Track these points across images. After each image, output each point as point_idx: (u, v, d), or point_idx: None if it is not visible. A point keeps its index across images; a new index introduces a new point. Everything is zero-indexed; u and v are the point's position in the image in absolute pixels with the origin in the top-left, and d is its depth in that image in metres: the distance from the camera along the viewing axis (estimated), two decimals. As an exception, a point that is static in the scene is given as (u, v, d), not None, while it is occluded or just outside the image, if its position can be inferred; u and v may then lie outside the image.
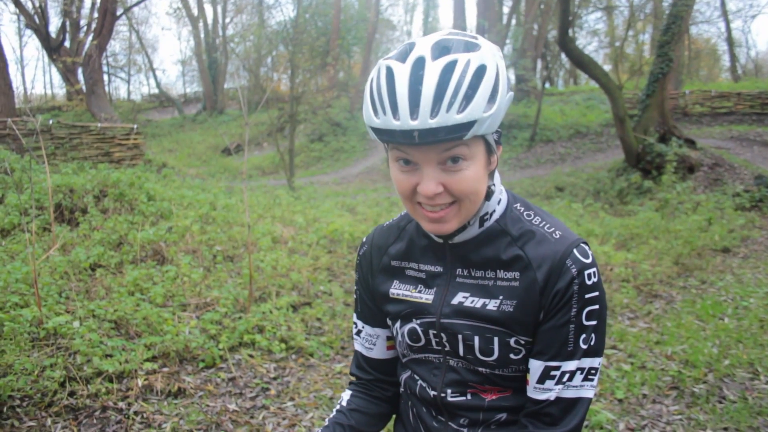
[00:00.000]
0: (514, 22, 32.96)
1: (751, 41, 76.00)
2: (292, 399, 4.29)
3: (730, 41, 37.21)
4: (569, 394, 1.31)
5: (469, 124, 1.13)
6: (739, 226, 10.58)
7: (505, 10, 34.54)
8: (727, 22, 36.38)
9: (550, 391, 1.30)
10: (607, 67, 23.99)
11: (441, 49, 1.16)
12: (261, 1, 38.78)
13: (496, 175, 1.36)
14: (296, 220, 9.22)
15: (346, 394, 1.63)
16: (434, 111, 1.11)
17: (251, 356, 4.82)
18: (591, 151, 21.18)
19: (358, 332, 1.62)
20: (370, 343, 1.60)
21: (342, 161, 24.84)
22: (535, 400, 1.33)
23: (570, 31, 16.78)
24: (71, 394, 3.89)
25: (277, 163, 21.88)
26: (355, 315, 1.64)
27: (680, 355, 5.07)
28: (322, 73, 27.66)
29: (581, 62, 16.03)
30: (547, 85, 33.71)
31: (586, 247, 1.31)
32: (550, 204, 13.33)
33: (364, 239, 1.59)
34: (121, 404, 3.91)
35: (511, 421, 1.41)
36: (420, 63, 1.14)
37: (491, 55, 1.18)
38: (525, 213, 1.38)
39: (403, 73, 1.15)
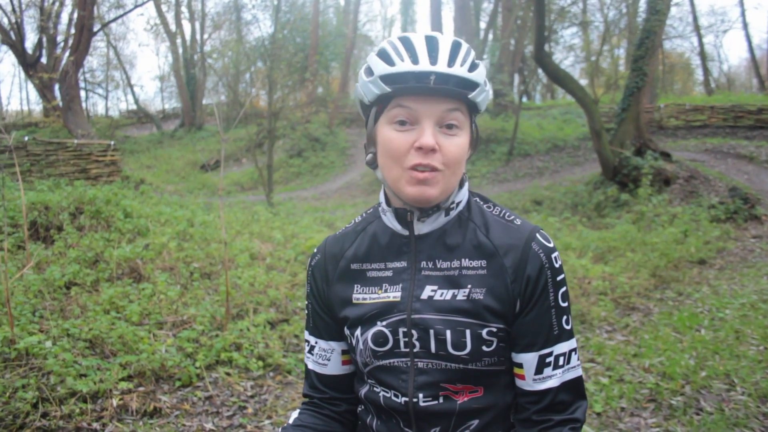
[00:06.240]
0: (491, 37, 33.26)
1: (723, 55, 77.23)
2: (269, 417, 4.25)
3: (703, 56, 37.78)
4: (570, 375, 1.35)
5: (475, 84, 1.28)
6: (714, 237, 10.71)
7: (482, 25, 34.79)
8: (700, 37, 36.97)
9: (551, 378, 1.34)
10: (583, 82, 24.32)
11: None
12: (239, 17, 38.74)
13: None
14: (274, 236, 9.17)
15: (294, 413, 1.58)
16: (451, 61, 1.26)
17: (228, 374, 4.77)
18: (568, 164, 21.32)
19: (311, 349, 1.58)
20: (324, 358, 1.56)
21: (321, 176, 24.80)
22: (539, 392, 1.34)
23: (546, 46, 16.96)
24: (44, 415, 3.82)
25: (256, 179, 21.75)
26: (306, 332, 1.60)
27: (658, 367, 5.10)
28: (301, 89, 27.65)
29: (557, 77, 16.19)
30: (524, 99, 34.06)
31: (545, 233, 1.38)
32: (527, 218, 13.37)
33: (316, 249, 1.57)
34: (96, 425, 3.84)
35: (481, 428, 1.39)
36: (432, 35, 1.31)
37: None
38: (485, 205, 1.46)
39: (419, 35, 1.30)
